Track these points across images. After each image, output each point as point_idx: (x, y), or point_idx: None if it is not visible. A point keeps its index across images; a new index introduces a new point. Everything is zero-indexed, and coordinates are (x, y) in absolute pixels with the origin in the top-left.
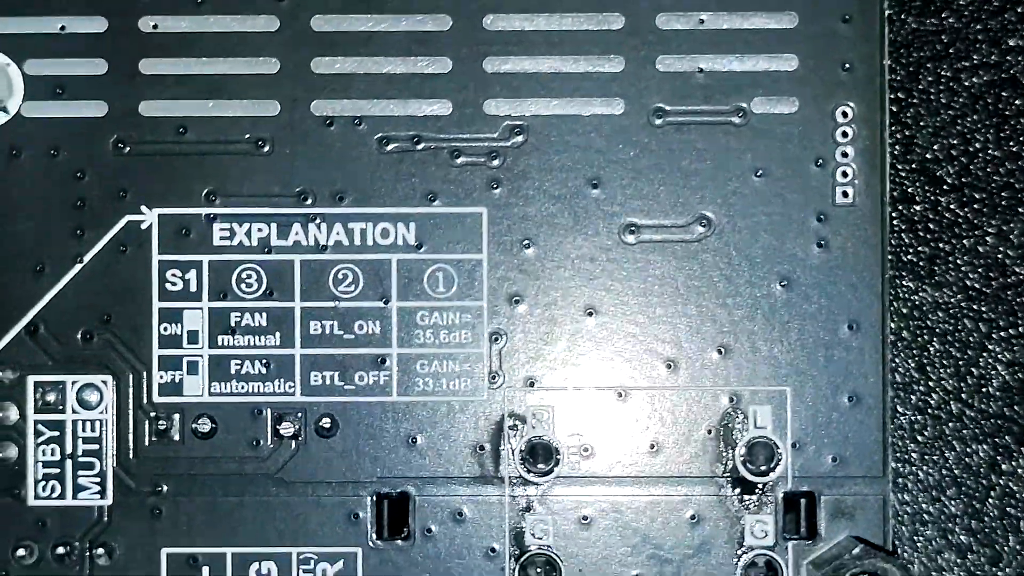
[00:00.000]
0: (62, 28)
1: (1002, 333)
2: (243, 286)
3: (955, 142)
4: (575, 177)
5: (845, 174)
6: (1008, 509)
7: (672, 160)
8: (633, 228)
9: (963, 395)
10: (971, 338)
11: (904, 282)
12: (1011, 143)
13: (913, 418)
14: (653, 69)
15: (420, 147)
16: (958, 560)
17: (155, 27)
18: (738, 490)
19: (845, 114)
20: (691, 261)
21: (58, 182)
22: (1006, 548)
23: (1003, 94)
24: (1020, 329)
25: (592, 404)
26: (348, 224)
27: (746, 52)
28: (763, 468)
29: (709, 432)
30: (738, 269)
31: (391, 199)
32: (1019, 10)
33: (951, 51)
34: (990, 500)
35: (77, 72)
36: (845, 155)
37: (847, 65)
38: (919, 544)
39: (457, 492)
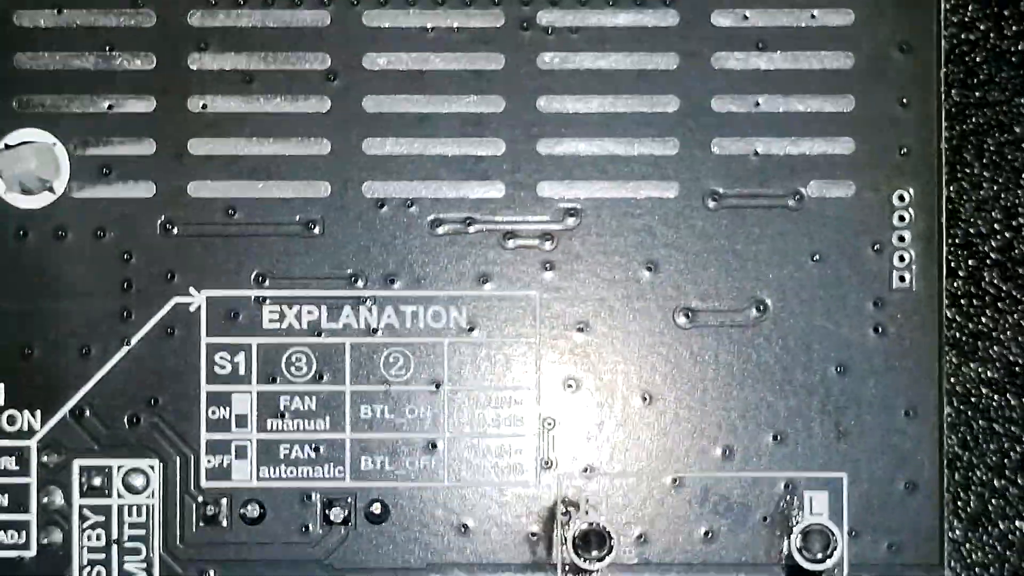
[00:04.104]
0: (110, 107)
1: None
2: (292, 369)
3: (999, 216)
4: (629, 260)
5: (902, 258)
6: None
7: (727, 243)
8: (688, 312)
9: (1006, 472)
10: (1014, 414)
11: (950, 358)
12: None
13: (958, 494)
14: (708, 152)
15: (472, 229)
16: None
17: (204, 107)
18: None
19: (902, 198)
20: (746, 346)
21: (105, 263)
22: None
23: None
24: None
25: (646, 490)
26: (399, 307)
27: (802, 135)
28: (819, 556)
29: (764, 519)
30: (794, 354)
31: (443, 282)
32: None
33: (994, 124)
34: None
35: (125, 152)
36: (902, 239)
37: (904, 149)
38: None
39: None
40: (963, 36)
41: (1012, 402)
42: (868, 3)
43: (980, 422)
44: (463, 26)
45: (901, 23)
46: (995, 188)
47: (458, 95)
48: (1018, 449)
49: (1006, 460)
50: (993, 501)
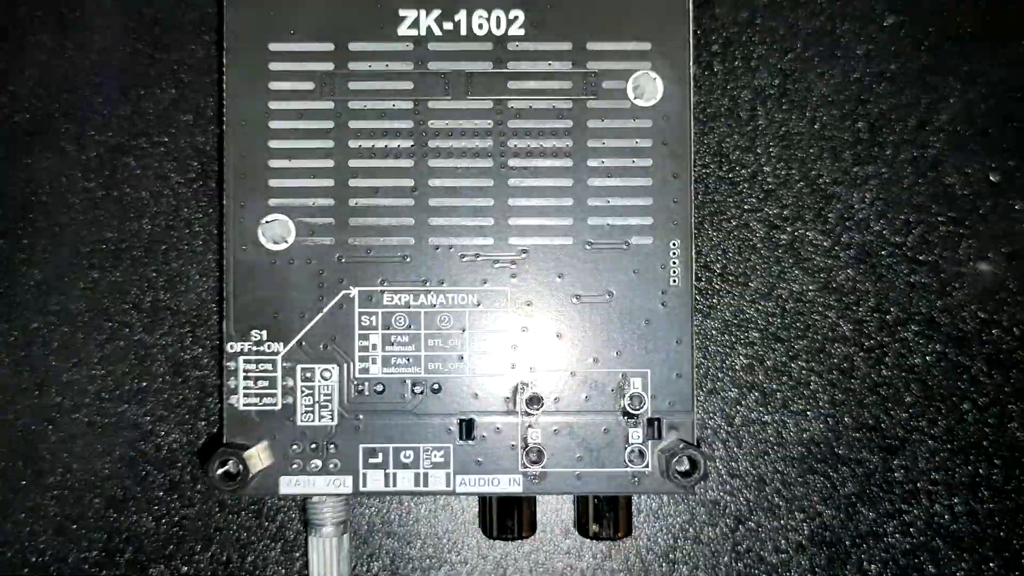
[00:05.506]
0: (313, 203)
1: None
2: (397, 322)
3: (716, 255)
4: (550, 273)
5: (674, 272)
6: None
7: (594, 266)
8: (577, 296)
9: (739, 372)
10: (730, 336)
11: (696, 316)
12: None
13: (701, 382)
14: (586, 224)
15: (478, 259)
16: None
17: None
18: (626, 418)
19: (675, 243)
20: (605, 313)
21: (311, 277)
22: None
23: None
24: None
25: (558, 378)
26: (447, 295)
27: (630, 215)
28: (637, 408)
29: (613, 390)
30: (626, 316)
31: (465, 284)
32: None
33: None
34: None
35: (318, 223)
36: (675, 263)
37: (675, 218)
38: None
39: (494, 419)
40: None
41: (735, 334)
42: None
43: (712, 346)
44: None
45: None
46: (716, 240)
47: None
48: (742, 358)
49: (737, 365)
50: (721, 381)
